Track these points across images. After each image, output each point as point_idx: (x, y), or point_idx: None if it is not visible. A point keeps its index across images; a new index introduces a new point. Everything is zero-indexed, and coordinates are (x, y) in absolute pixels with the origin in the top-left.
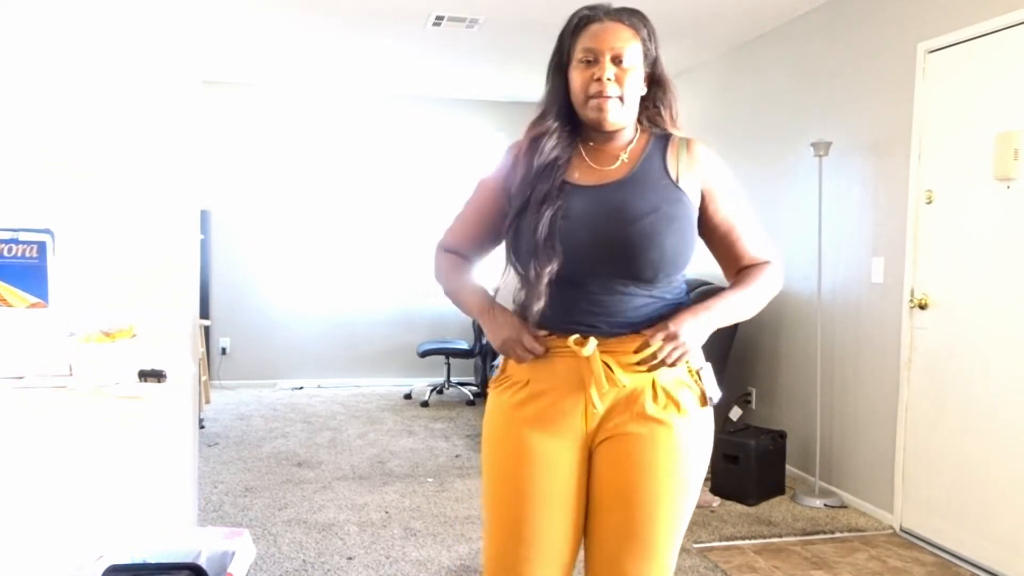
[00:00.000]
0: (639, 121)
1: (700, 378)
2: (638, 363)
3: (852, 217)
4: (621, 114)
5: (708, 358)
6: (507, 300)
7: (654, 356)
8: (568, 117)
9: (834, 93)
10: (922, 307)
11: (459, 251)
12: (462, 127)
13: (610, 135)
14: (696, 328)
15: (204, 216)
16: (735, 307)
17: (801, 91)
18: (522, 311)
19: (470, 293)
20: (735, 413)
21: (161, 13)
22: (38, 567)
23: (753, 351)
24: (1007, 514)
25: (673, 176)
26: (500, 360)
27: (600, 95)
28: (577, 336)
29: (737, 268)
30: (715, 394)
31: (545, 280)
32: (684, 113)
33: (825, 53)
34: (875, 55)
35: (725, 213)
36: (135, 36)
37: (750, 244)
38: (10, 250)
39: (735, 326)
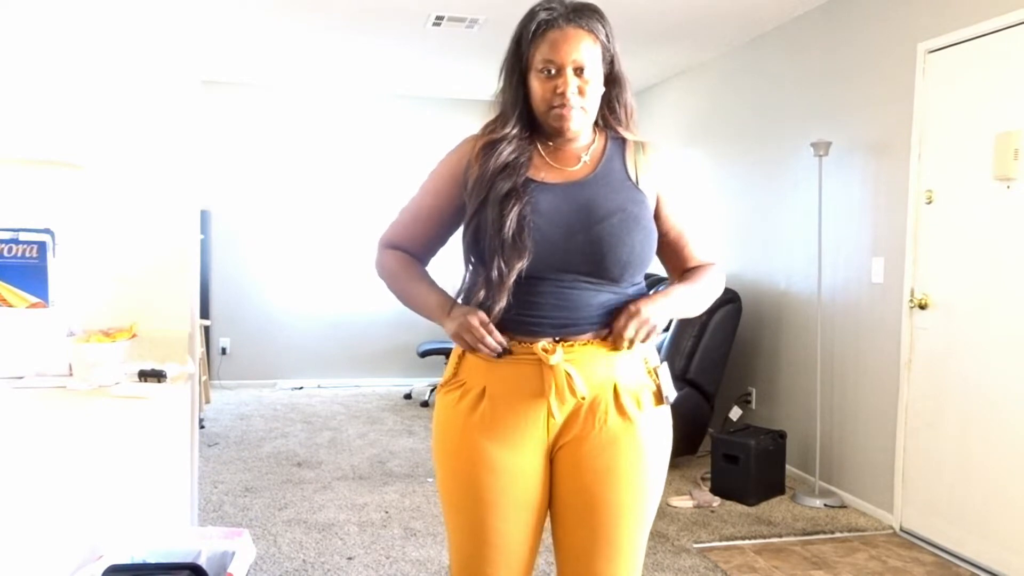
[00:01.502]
0: (595, 121)
1: (658, 376)
2: (612, 347)
3: (852, 217)
4: (583, 122)
5: (708, 358)
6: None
7: (622, 337)
8: (527, 121)
9: (834, 93)
10: (922, 307)
11: (406, 248)
12: (462, 127)
13: (569, 138)
14: (658, 309)
15: (204, 216)
16: (688, 298)
17: (801, 91)
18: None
19: (427, 292)
20: (735, 413)
21: (161, 13)
22: (38, 567)
23: (753, 351)
24: (1007, 514)
25: (633, 178)
26: (448, 364)
27: (563, 107)
28: (545, 343)
29: (682, 271)
30: (671, 393)
31: (512, 279)
32: (681, 113)
33: (825, 53)
34: (875, 55)
35: (676, 218)
36: (135, 36)
37: (697, 249)
38: (10, 250)
39: (735, 326)
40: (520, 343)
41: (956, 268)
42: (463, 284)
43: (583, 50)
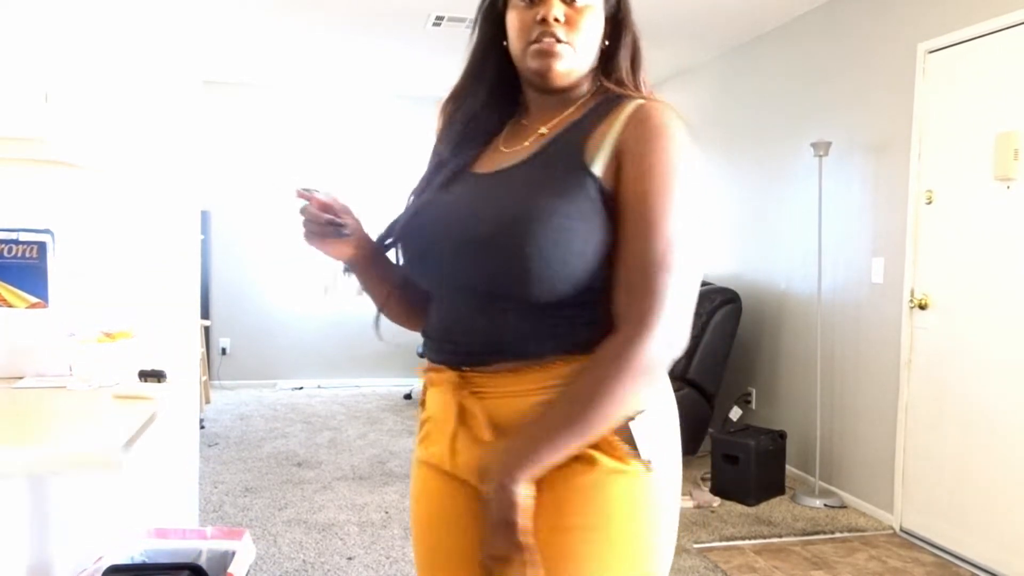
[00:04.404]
0: (598, 80)
1: (627, 429)
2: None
3: (852, 217)
4: (572, 63)
5: (708, 358)
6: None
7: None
8: (497, 78)
9: (834, 93)
10: (922, 307)
11: None
12: None
13: (557, 100)
14: (512, 466)
15: (204, 216)
16: (562, 435)
17: (801, 91)
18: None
19: None
20: (735, 413)
21: (162, 13)
22: (38, 567)
23: (753, 351)
24: (1007, 514)
25: (588, 156)
26: None
27: (544, 38)
28: (436, 365)
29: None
30: (645, 450)
31: (383, 298)
32: (683, 111)
33: (825, 53)
34: (875, 55)
35: (626, 213)
36: (136, 36)
37: (626, 272)
38: (10, 250)
39: (735, 326)
40: (431, 364)
41: (956, 268)
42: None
43: None
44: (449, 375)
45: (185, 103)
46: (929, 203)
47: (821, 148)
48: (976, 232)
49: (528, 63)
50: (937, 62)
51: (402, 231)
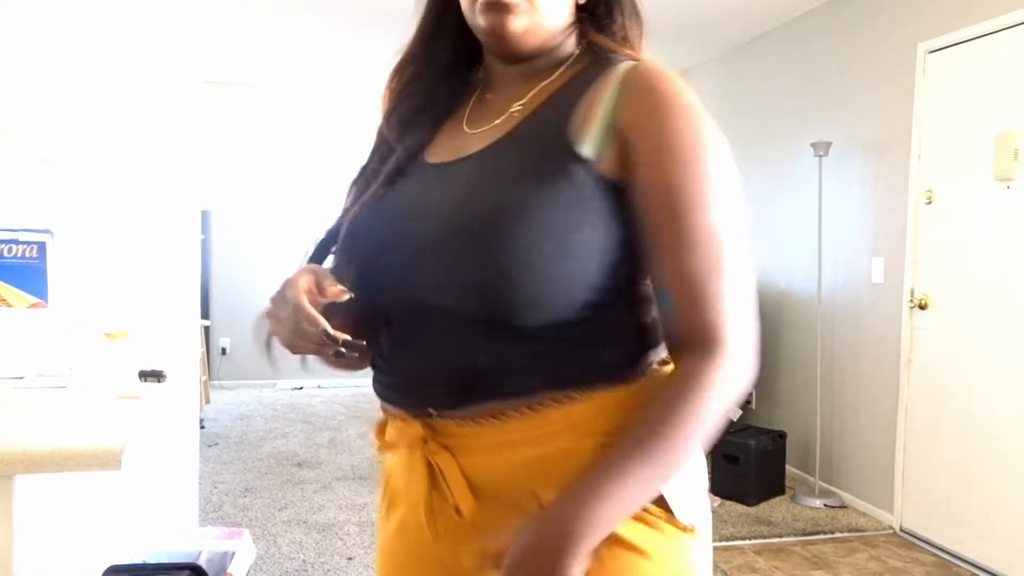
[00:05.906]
0: (583, 40)
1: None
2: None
3: (852, 217)
4: (531, 19)
5: None
6: None
7: None
8: (458, 41)
9: (834, 93)
10: (922, 307)
11: None
12: None
13: (527, 68)
14: (561, 541)
15: (204, 216)
16: (642, 478)
17: (801, 91)
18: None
19: None
20: (735, 413)
21: (162, 14)
22: (38, 567)
23: None
24: (1007, 515)
25: (575, 136)
26: None
27: None
28: (395, 410)
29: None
30: (685, 513)
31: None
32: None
33: (825, 53)
34: (875, 55)
35: (653, 211)
36: (137, 37)
37: (668, 282)
38: (10, 250)
39: None
40: (391, 410)
41: (956, 268)
42: None
43: None
44: (413, 427)
45: (185, 103)
46: (929, 203)
47: (821, 148)
48: (976, 232)
49: (477, 20)
50: (937, 62)
51: (346, 239)
